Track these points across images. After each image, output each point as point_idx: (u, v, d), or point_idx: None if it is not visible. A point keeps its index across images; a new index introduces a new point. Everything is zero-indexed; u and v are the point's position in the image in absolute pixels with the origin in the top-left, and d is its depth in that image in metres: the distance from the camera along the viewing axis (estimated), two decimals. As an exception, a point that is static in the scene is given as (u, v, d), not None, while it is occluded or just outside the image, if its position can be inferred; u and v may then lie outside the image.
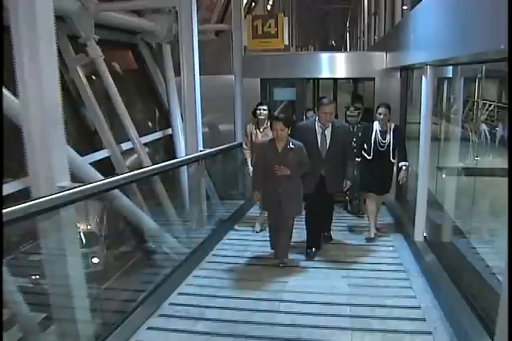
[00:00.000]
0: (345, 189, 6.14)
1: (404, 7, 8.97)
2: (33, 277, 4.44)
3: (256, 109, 6.87)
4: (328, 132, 5.73)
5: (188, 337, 4.03)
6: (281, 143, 5.36)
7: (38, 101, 3.57)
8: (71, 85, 7.56)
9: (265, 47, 9.65)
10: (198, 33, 6.78)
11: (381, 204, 7.10)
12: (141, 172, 4.82)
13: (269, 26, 9.52)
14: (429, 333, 4.03)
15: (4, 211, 2.78)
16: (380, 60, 9.34)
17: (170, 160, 6.17)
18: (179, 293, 4.86)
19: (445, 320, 4.17)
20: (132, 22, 8.68)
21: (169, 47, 9.54)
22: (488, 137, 5.12)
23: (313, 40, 38.39)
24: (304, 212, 5.97)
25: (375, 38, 15.30)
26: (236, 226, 7.33)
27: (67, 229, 3.70)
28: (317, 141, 5.72)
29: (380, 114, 6.31)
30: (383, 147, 6.30)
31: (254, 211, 7.84)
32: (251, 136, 6.86)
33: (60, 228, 3.59)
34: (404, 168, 6.38)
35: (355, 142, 6.79)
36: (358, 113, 7.74)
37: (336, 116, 7.15)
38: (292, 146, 5.35)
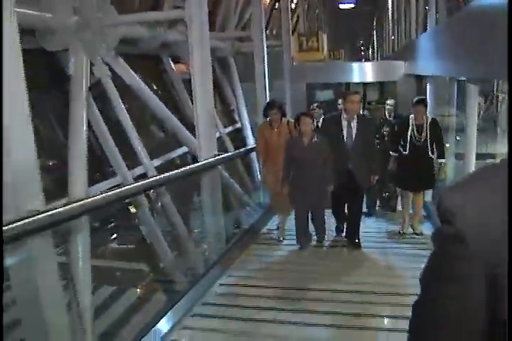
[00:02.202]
0: (374, 182, 5.86)
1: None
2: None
3: (266, 112, 6.15)
4: (354, 124, 5.49)
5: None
6: (307, 138, 5.33)
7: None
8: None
9: (309, 58, 12.23)
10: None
11: (421, 205, 6.41)
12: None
13: (312, 42, 12.11)
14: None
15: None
16: (400, 68, 11.85)
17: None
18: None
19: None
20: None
21: (233, 60, 12.26)
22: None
23: (344, 42, 41.22)
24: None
25: (398, 44, 17.85)
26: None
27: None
28: (343, 134, 5.49)
29: (415, 109, 5.95)
30: (419, 142, 5.93)
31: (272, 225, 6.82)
32: (265, 137, 6.12)
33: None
34: (442, 165, 6.08)
35: (387, 136, 6.61)
36: (382, 107, 7.42)
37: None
38: (317, 140, 5.33)
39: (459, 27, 5.46)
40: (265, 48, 9.23)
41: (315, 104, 7.27)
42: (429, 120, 5.99)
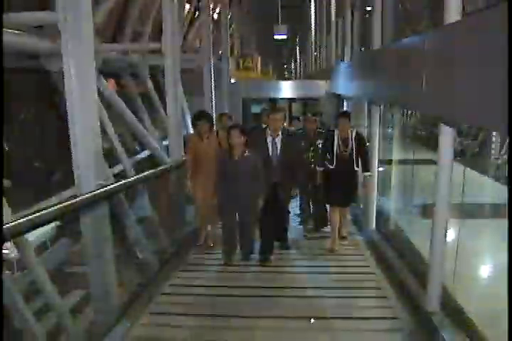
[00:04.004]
0: (294, 194, 5.84)
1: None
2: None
3: (194, 124, 5.99)
4: (278, 140, 5.45)
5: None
6: (238, 151, 5.14)
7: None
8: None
9: (245, 76, 13.97)
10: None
11: (346, 218, 6.48)
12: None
13: (248, 62, 13.90)
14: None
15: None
16: (323, 86, 13.65)
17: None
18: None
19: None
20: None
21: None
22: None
23: (274, 63, 45.13)
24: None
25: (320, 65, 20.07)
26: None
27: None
28: (268, 148, 5.44)
29: (340, 123, 5.91)
30: (345, 155, 5.85)
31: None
32: (194, 148, 5.85)
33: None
34: (368, 177, 6.10)
35: (316, 150, 6.40)
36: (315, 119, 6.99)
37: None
38: (248, 154, 5.16)
39: (368, 60, 6.93)
40: (212, 67, 10.83)
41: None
42: (354, 133, 5.89)
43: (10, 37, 5.65)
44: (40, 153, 8.74)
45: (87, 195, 3.53)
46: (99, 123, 4.05)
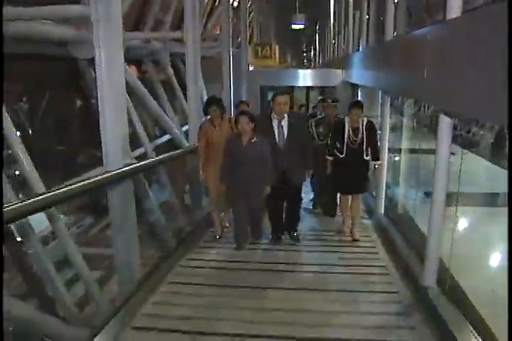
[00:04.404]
0: (308, 177, 5.88)
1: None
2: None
3: (206, 109, 5.87)
4: (284, 123, 5.39)
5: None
6: (245, 137, 5.18)
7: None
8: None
9: (263, 64, 14.24)
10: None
11: (358, 210, 6.26)
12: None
13: (266, 51, 14.15)
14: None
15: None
16: (339, 75, 13.95)
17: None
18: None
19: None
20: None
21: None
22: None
23: (292, 51, 45.22)
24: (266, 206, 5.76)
25: (337, 54, 20.26)
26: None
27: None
28: (274, 133, 5.38)
29: (351, 112, 5.85)
30: (355, 144, 5.82)
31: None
32: (206, 135, 5.78)
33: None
34: (376, 166, 6.06)
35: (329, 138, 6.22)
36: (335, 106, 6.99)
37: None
38: (256, 139, 5.17)
39: (380, 51, 7.19)
40: (231, 54, 11.13)
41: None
42: (365, 122, 5.86)
43: (40, 26, 6.13)
44: (65, 137, 9.20)
45: (117, 171, 3.96)
46: (126, 108, 4.37)
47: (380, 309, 4.04)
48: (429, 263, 4.04)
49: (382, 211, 6.96)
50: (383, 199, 6.98)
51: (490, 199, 7.10)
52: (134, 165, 4.29)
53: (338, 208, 6.76)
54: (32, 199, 2.88)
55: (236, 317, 3.83)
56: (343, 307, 4.05)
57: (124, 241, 4.36)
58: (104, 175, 3.87)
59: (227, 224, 6.32)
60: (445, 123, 3.71)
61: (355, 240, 5.94)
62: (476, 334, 3.23)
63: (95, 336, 3.36)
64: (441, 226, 3.96)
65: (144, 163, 4.70)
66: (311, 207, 7.63)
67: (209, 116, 5.87)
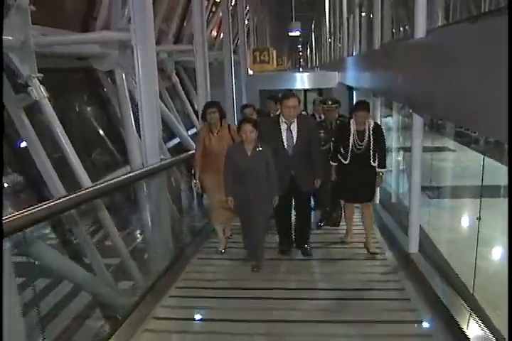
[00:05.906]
0: (317, 186, 5.48)
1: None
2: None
3: (204, 113, 5.63)
4: (294, 128, 5.17)
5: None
6: (250, 146, 4.96)
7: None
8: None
9: (262, 69, 15.33)
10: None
11: (371, 219, 5.93)
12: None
13: (264, 56, 15.25)
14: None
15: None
16: (335, 77, 14.74)
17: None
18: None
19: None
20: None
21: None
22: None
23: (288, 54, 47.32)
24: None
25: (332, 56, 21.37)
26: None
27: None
28: (282, 138, 5.17)
29: (356, 114, 5.43)
30: (360, 149, 5.43)
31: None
32: (204, 142, 5.61)
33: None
34: (382, 174, 5.59)
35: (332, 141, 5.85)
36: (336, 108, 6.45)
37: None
38: (261, 148, 4.96)
39: (371, 57, 8.23)
40: (232, 60, 12.18)
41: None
42: (372, 125, 5.44)
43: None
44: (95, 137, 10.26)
45: (155, 165, 5.18)
46: (160, 113, 5.41)
47: (372, 270, 5.18)
48: (411, 231, 5.07)
49: (378, 201, 7.78)
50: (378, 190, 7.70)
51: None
52: (169, 159, 5.47)
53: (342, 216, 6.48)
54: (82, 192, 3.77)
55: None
56: (338, 268, 5.29)
57: (161, 223, 5.40)
58: (145, 168, 4.98)
59: (230, 234, 6.25)
60: (416, 119, 4.77)
61: (372, 253, 5.59)
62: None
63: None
64: (419, 197, 5.04)
65: (173, 159, 5.88)
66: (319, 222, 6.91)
67: (207, 122, 5.67)
